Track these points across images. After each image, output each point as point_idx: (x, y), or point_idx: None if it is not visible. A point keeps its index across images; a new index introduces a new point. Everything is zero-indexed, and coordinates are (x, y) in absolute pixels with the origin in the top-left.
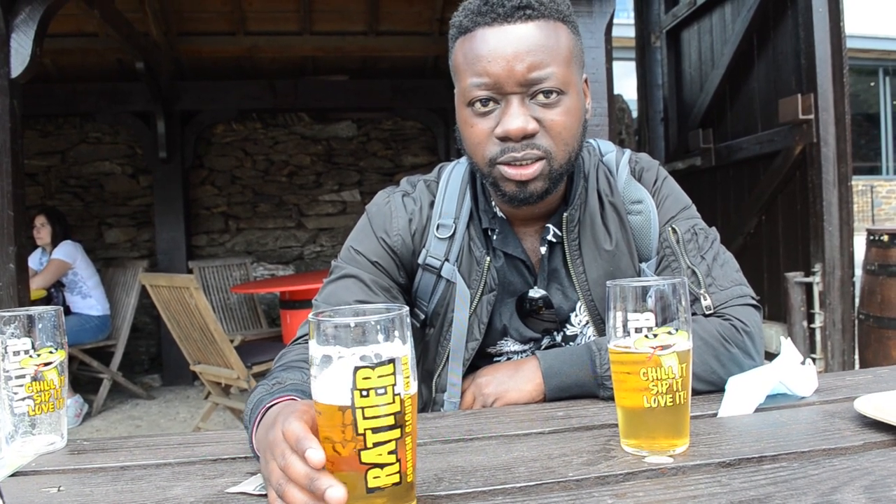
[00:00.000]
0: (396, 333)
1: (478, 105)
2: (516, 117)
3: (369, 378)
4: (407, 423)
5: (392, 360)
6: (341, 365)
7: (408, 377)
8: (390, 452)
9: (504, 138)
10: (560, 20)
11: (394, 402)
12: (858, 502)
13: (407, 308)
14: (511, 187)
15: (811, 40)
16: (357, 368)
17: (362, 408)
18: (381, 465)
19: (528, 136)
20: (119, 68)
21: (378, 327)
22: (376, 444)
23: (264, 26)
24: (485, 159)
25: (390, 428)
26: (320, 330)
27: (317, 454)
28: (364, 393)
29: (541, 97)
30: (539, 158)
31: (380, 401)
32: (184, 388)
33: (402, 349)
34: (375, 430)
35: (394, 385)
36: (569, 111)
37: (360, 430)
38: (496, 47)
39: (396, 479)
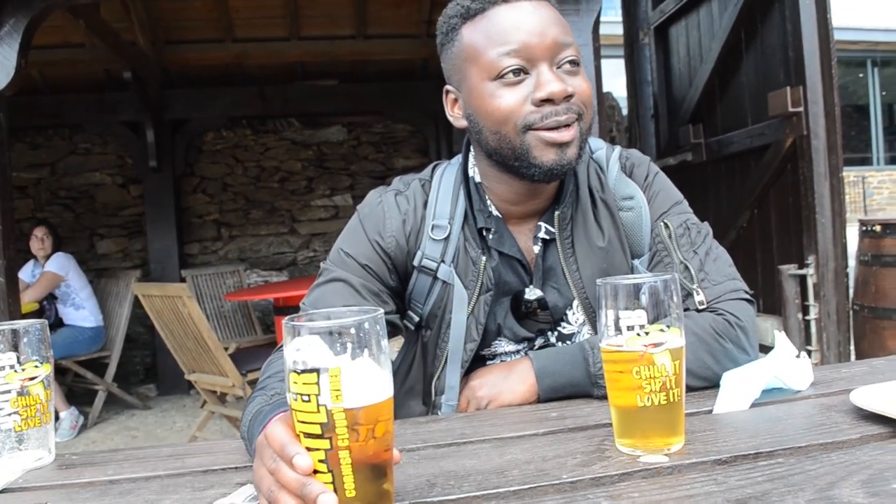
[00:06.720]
0: (337, 345)
1: (509, 76)
2: (556, 81)
3: (296, 383)
4: (340, 438)
5: (315, 370)
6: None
7: (338, 391)
8: (321, 461)
9: (545, 101)
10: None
11: (318, 412)
12: (856, 497)
13: (375, 315)
14: (549, 156)
15: (798, 33)
16: (289, 371)
17: (295, 410)
18: (315, 472)
19: (567, 98)
20: (107, 78)
21: (311, 335)
22: (308, 449)
23: (252, 33)
24: (517, 127)
25: (318, 437)
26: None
27: (304, 460)
28: (294, 397)
29: (567, 66)
30: (576, 120)
31: (304, 407)
32: (180, 398)
33: (333, 360)
34: (306, 436)
35: (318, 395)
36: (587, 81)
37: (297, 432)
38: (520, 18)
39: (331, 488)
